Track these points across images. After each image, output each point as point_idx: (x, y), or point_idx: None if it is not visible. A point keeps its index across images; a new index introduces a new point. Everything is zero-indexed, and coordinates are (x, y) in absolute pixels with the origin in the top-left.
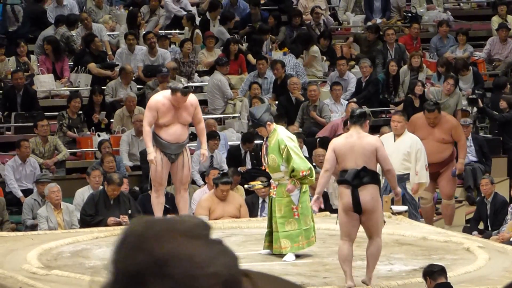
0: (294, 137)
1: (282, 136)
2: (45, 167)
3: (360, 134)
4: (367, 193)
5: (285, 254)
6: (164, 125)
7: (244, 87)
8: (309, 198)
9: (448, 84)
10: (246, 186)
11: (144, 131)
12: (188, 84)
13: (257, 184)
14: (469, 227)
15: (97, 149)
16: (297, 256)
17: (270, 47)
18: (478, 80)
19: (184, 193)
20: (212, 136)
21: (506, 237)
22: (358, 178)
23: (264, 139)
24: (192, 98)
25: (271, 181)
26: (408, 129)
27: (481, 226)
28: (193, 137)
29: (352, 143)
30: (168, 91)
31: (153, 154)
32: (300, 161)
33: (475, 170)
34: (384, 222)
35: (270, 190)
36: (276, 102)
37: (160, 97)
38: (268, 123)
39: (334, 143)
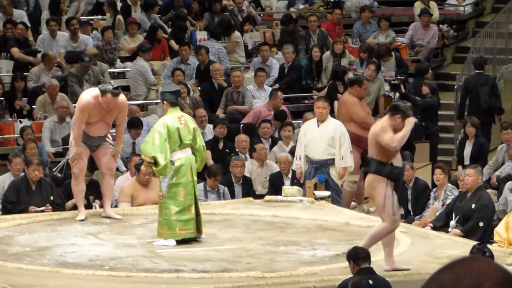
0: (174, 127)
1: (161, 119)
2: None
3: (378, 124)
4: (366, 180)
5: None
6: (89, 123)
7: (166, 73)
8: (184, 190)
9: (369, 69)
10: None
11: (76, 132)
12: (117, 85)
13: None
14: None
15: (19, 135)
16: (218, 242)
17: (193, 28)
18: (401, 65)
19: (110, 179)
20: (135, 124)
21: (428, 221)
22: (365, 166)
23: None
24: (121, 101)
25: None
26: (341, 110)
27: (401, 211)
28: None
29: (371, 131)
30: (96, 90)
31: (79, 151)
32: (149, 146)
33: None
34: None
35: None
36: (199, 88)
37: (90, 98)
38: (165, 102)
39: None
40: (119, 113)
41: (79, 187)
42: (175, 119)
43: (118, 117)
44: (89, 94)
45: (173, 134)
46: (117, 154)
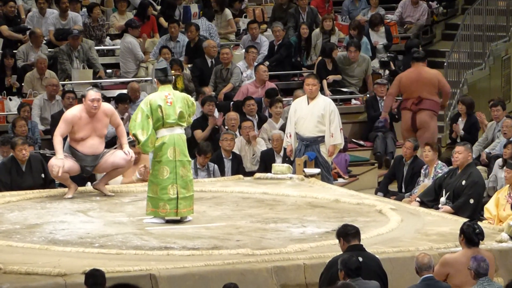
0: (157, 104)
1: (147, 97)
2: None
3: None
4: None
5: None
6: (82, 138)
7: (156, 51)
8: (165, 168)
9: (351, 52)
10: None
11: (55, 140)
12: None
13: None
14: (379, 186)
15: (8, 113)
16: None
17: (186, 2)
18: (388, 37)
19: (123, 166)
20: (123, 99)
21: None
22: None
23: None
24: (107, 107)
25: None
26: (426, 82)
27: (395, 188)
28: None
29: None
30: (81, 105)
31: (61, 162)
32: (132, 123)
33: (386, 138)
34: None
35: None
36: (189, 66)
37: (77, 111)
38: (155, 80)
39: None
40: (112, 117)
41: (61, 178)
42: (161, 97)
43: (112, 122)
44: (76, 108)
45: (155, 111)
46: (130, 151)
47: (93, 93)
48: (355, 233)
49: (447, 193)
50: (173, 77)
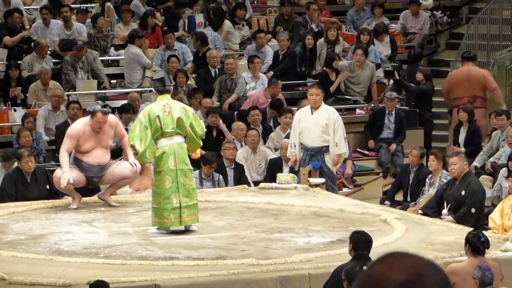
0: (155, 114)
1: (145, 107)
2: None
3: None
4: None
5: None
6: (87, 151)
7: (156, 61)
8: (166, 178)
9: (357, 55)
10: None
11: (61, 155)
12: (106, 103)
13: None
14: (387, 195)
15: (12, 123)
16: (203, 229)
17: (191, 12)
18: (393, 47)
19: (130, 177)
20: (125, 109)
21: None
22: None
23: None
24: (111, 119)
25: None
26: (474, 81)
27: (400, 198)
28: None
29: None
30: (86, 118)
31: (67, 174)
32: (130, 134)
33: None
34: None
35: None
36: (194, 75)
37: (80, 126)
38: (154, 90)
39: None
40: (116, 129)
41: (66, 189)
42: (159, 107)
43: (117, 133)
44: (80, 122)
45: (153, 122)
46: (135, 162)
47: (101, 116)
48: (366, 243)
49: (449, 205)
50: (172, 87)
